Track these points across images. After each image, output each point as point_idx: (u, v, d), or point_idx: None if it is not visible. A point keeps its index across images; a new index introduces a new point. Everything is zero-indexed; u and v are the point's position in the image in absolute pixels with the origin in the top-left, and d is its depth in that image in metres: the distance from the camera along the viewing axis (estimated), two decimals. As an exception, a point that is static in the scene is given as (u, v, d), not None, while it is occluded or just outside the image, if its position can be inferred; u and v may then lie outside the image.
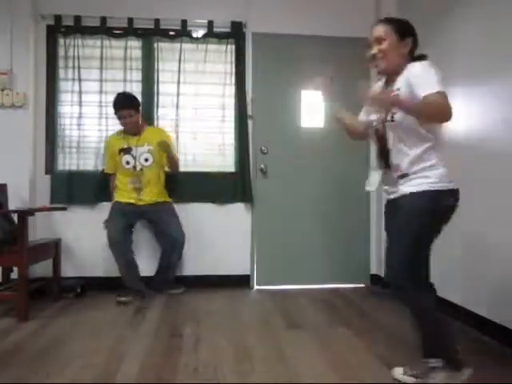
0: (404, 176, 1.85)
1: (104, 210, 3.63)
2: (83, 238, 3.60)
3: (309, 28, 3.79)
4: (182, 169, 3.69)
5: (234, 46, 3.76)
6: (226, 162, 3.78)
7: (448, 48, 2.99)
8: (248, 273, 3.78)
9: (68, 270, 3.53)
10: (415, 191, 1.80)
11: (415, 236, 1.80)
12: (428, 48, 3.32)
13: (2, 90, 3.42)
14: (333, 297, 3.46)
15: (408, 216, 1.83)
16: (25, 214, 2.87)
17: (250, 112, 3.75)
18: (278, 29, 3.78)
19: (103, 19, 3.62)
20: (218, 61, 3.77)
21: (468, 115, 2.78)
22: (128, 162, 3.33)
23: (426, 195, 1.78)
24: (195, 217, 3.70)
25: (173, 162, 3.43)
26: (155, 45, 3.72)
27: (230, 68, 3.77)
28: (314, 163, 3.85)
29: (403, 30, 1.85)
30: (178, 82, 3.72)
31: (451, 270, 2.88)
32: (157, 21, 3.67)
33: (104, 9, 3.62)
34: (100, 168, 3.64)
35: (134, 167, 3.33)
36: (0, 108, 3.44)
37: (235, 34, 3.73)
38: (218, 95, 3.77)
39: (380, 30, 1.85)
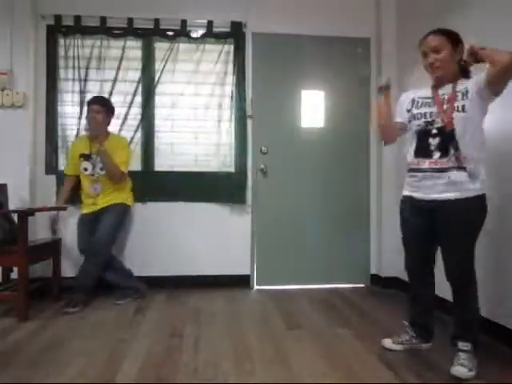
0: (461, 169, 2.00)
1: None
2: (83, 238, 3.59)
3: (309, 28, 3.80)
4: (181, 169, 3.70)
5: (233, 46, 3.76)
6: (225, 162, 3.78)
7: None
8: (248, 273, 3.78)
9: (68, 270, 3.53)
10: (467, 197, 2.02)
11: (473, 239, 2.06)
12: (428, 48, 3.31)
13: (2, 90, 3.42)
14: (333, 297, 3.46)
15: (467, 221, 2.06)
16: (25, 214, 2.87)
17: (249, 112, 3.75)
18: (278, 29, 3.78)
19: (103, 19, 3.62)
20: (218, 61, 3.76)
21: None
22: (86, 169, 3.29)
23: (479, 199, 2.03)
24: (195, 217, 3.71)
25: (108, 169, 3.23)
26: (155, 45, 3.73)
27: (229, 68, 3.77)
28: (314, 163, 3.85)
29: (455, 39, 2.09)
30: (178, 82, 3.72)
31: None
32: (156, 21, 3.67)
33: (104, 9, 3.62)
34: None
35: (92, 174, 3.29)
36: (0, 108, 3.44)
37: (235, 34, 3.73)
38: (217, 95, 3.76)
39: (436, 40, 2.07)
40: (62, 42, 3.65)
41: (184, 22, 3.69)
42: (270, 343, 2.43)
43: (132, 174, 3.65)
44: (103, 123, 3.29)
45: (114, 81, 3.67)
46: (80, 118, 3.62)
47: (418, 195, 2.15)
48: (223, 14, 3.73)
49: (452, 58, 2.08)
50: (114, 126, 3.66)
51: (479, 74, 2.00)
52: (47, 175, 3.62)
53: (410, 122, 2.20)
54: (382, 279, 3.77)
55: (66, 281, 3.37)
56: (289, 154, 3.83)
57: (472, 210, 2.03)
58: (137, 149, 3.69)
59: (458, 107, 2.02)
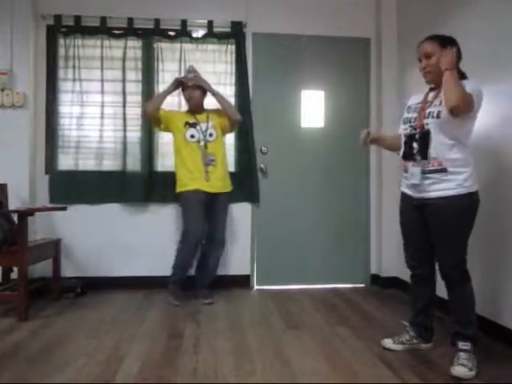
0: (442, 171, 2.06)
1: (104, 210, 3.65)
2: (83, 238, 3.60)
3: (309, 28, 3.80)
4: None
5: (234, 46, 3.76)
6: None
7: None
8: (248, 273, 3.78)
9: (68, 270, 3.53)
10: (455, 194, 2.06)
11: (463, 236, 2.11)
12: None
13: (2, 90, 3.42)
14: (333, 297, 3.46)
15: (456, 218, 2.09)
16: (25, 214, 2.87)
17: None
18: (278, 29, 3.78)
19: (103, 19, 3.63)
20: (218, 61, 3.77)
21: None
22: (193, 136, 3.25)
23: (465, 197, 2.06)
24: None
25: (227, 106, 3.37)
26: (155, 45, 3.73)
27: (230, 68, 3.77)
28: (314, 163, 3.85)
29: (447, 44, 2.11)
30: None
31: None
32: (157, 21, 3.67)
33: (104, 9, 3.63)
34: (100, 168, 3.65)
35: (198, 141, 3.25)
36: (0, 108, 3.44)
37: (235, 34, 3.73)
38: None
39: (427, 46, 2.15)
40: (62, 41, 3.65)
41: (184, 22, 3.70)
42: (270, 343, 2.43)
43: (132, 174, 3.67)
44: (201, 98, 3.35)
45: (115, 81, 3.67)
46: (80, 118, 3.63)
47: (409, 193, 2.23)
48: (223, 13, 3.73)
49: None
50: (113, 126, 3.67)
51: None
52: (47, 175, 3.62)
53: (401, 124, 2.29)
54: (382, 279, 3.77)
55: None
56: (289, 154, 3.83)
57: (457, 209, 2.05)
58: (137, 149, 3.69)
59: (432, 113, 2.08)
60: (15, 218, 2.94)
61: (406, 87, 3.64)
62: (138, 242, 3.64)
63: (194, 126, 3.27)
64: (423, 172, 2.10)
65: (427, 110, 2.11)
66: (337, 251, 3.85)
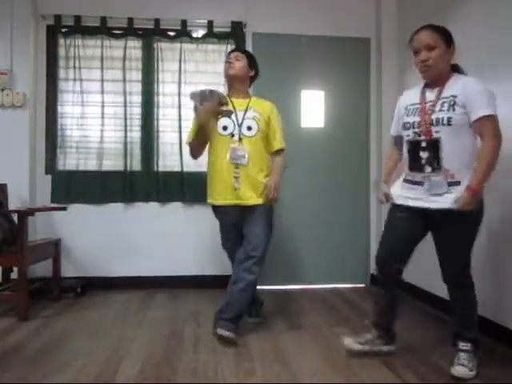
0: (456, 184, 1.93)
1: (104, 209, 3.65)
2: (83, 238, 3.60)
3: (309, 28, 3.80)
4: (183, 169, 3.69)
5: (234, 46, 3.76)
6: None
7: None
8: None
9: (68, 270, 3.53)
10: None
11: (472, 241, 2.03)
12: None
13: (2, 90, 3.42)
14: (333, 297, 3.46)
15: (469, 226, 2.00)
16: (25, 214, 2.87)
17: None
18: (278, 29, 3.78)
19: (103, 19, 3.62)
20: (219, 61, 3.76)
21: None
22: (225, 128, 2.51)
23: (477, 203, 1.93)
24: (196, 217, 3.70)
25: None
26: (155, 45, 3.73)
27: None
28: (314, 163, 3.85)
29: (449, 38, 1.99)
30: (179, 82, 3.72)
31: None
32: (157, 21, 3.68)
33: (104, 9, 3.63)
34: (100, 168, 3.64)
35: (233, 135, 2.50)
36: (0, 108, 3.44)
37: (235, 34, 3.73)
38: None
39: (430, 37, 1.96)
40: (62, 42, 3.65)
41: (184, 22, 3.70)
42: (270, 343, 2.43)
43: (133, 174, 3.67)
44: (244, 68, 2.61)
45: (115, 81, 3.67)
46: (80, 118, 3.63)
47: (413, 204, 2.06)
48: (223, 13, 3.73)
49: (445, 57, 1.98)
50: (114, 126, 3.67)
51: (474, 102, 1.89)
52: (47, 175, 3.62)
53: (402, 130, 2.12)
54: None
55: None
56: (289, 154, 3.79)
57: (469, 217, 1.93)
58: (137, 149, 3.69)
59: (442, 120, 1.92)
60: (15, 218, 2.94)
61: (406, 87, 3.63)
62: (138, 242, 3.64)
63: (228, 114, 2.51)
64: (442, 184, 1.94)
65: (434, 116, 1.95)
66: (337, 251, 3.85)
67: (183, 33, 3.70)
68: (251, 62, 2.64)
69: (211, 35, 3.72)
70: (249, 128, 2.49)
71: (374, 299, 2.36)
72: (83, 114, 3.65)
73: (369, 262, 3.90)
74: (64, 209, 3.37)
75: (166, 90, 3.73)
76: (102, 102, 3.65)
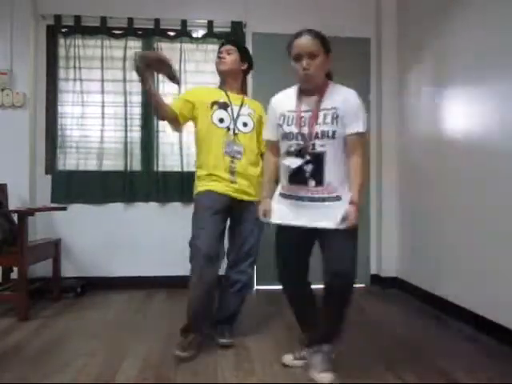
0: (337, 199, 1.87)
1: (104, 209, 3.65)
2: (83, 238, 3.60)
3: (309, 28, 3.79)
4: (184, 169, 3.69)
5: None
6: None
7: (447, 47, 3.00)
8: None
9: (68, 270, 3.53)
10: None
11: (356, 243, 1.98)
12: (428, 47, 3.34)
13: (2, 90, 3.42)
14: (333, 297, 3.45)
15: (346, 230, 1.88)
16: (25, 214, 2.87)
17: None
18: (277, 29, 3.77)
19: (103, 19, 3.63)
20: (218, 61, 3.76)
21: (468, 114, 2.78)
22: (222, 120, 2.40)
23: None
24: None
25: None
26: (155, 45, 3.73)
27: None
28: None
29: (328, 46, 1.91)
30: (179, 82, 3.72)
31: (449, 269, 2.88)
32: (157, 21, 3.68)
33: (104, 9, 3.63)
34: (100, 168, 3.65)
35: (229, 129, 2.40)
36: (0, 108, 3.44)
37: (235, 34, 3.73)
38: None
39: (313, 44, 1.87)
40: (62, 41, 3.66)
41: (184, 22, 3.70)
42: (270, 343, 2.43)
43: (133, 173, 3.67)
44: (235, 63, 2.52)
45: (115, 81, 3.67)
46: (80, 117, 3.63)
47: (294, 222, 1.93)
48: (223, 14, 3.74)
49: (325, 66, 1.91)
50: (114, 126, 3.67)
51: (352, 117, 1.85)
52: (47, 175, 3.62)
53: (282, 139, 1.96)
54: (382, 279, 3.77)
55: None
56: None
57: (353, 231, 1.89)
58: (137, 149, 3.69)
59: (328, 133, 1.84)
60: (15, 218, 2.94)
61: (406, 87, 3.64)
62: (138, 241, 3.64)
63: (224, 107, 2.43)
64: (316, 200, 1.87)
65: (319, 129, 1.85)
66: (337, 251, 3.84)
67: (183, 33, 3.71)
68: (244, 54, 2.55)
69: (211, 35, 3.73)
70: (244, 124, 2.43)
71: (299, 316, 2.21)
72: (83, 114, 3.66)
73: (369, 262, 3.89)
74: (64, 209, 3.37)
75: (166, 89, 3.72)
76: (102, 102, 3.65)
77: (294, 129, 1.90)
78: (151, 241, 3.67)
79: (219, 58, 2.52)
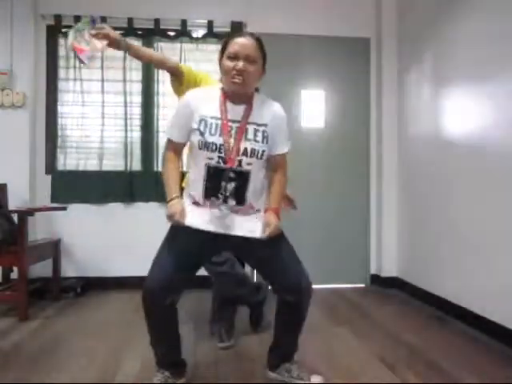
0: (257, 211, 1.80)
1: (104, 209, 3.65)
2: (83, 238, 3.60)
3: (309, 28, 3.80)
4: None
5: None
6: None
7: (448, 47, 3.00)
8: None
9: (68, 270, 3.53)
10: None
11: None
12: (428, 47, 3.34)
13: (2, 90, 3.42)
14: (333, 297, 3.46)
15: (283, 238, 1.96)
16: (25, 214, 2.87)
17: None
18: (278, 29, 3.77)
19: (103, 19, 3.61)
20: (219, 61, 3.76)
21: (468, 114, 2.78)
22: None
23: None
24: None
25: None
26: (155, 45, 3.73)
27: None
28: (314, 163, 3.85)
29: (265, 60, 1.80)
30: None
31: (449, 269, 2.88)
32: (157, 21, 3.68)
33: (104, 9, 3.62)
34: (101, 168, 3.64)
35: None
36: (0, 108, 3.44)
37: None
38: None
39: (255, 48, 1.71)
40: (62, 41, 3.65)
41: (184, 22, 3.70)
42: (270, 343, 2.42)
43: (133, 173, 3.67)
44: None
45: (115, 81, 3.67)
46: (80, 117, 3.63)
47: (209, 228, 1.75)
48: (223, 13, 3.73)
49: (259, 77, 1.79)
50: (114, 126, 3.68)
51: (281, 136, 1.79)
52: (47, 175, 3.62)
53: (200, 148, 1.69)
54: (382, 279, 3.77)
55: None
56: (289, 154, 3.81)
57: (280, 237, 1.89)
58: (137, 149, 3.69)
59: (258, 152, 1.68)
60: (15, 217, 2.94)
61: (406, 87, 3.64)
62: (138, 242, 3.63)
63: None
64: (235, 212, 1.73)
65: (248, 146, 1.67)
66: (337, 251, 3.84)
67: (183, 33, 3.71)
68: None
69: (211, 35, 3.73)
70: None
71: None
72: (83, 114, 3.66)
73: (369, 262, 3.90)
74: (64, 209, 3.37)
75: (166, 89, 3.73)
76: (102, 102, 3.66)
77: (217, 140, 1.66)
78: (151, 241, 3.64)
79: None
